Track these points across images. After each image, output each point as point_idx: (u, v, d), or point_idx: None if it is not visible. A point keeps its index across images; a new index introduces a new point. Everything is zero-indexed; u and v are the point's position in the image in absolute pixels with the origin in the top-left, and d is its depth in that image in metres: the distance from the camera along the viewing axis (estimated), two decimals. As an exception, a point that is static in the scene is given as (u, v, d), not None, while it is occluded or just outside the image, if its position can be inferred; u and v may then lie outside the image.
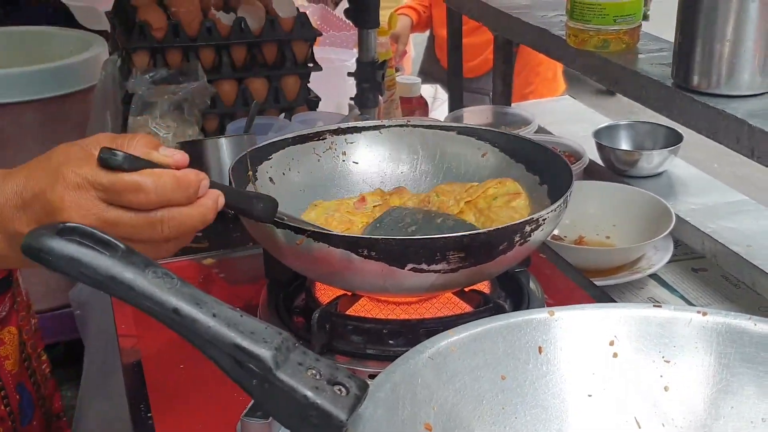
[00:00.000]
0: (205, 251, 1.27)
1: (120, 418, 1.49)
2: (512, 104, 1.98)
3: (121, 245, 0.58)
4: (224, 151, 1.40)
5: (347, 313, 0.99)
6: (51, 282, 2.11)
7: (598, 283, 1.23)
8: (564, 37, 1.30)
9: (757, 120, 0.99)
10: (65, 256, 0.57)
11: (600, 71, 1.25)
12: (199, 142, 1.42)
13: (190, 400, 0.94)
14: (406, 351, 0.68)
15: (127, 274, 0.57)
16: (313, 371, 0.57)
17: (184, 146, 1.43)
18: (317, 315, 0.95)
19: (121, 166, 0.68)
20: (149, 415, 0.91)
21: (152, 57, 1.61)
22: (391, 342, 0.95)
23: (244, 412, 0.81)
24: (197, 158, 1.41)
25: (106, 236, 0.58)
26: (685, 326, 0.73)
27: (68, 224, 0.58)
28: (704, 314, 0.73)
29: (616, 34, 1.23)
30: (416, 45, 3.88)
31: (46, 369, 1.42)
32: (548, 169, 1.07)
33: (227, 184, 1.01)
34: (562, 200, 0.95)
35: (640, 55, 1.22)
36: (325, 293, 1.04)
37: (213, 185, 0.82)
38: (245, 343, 0.56)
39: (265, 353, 0.56)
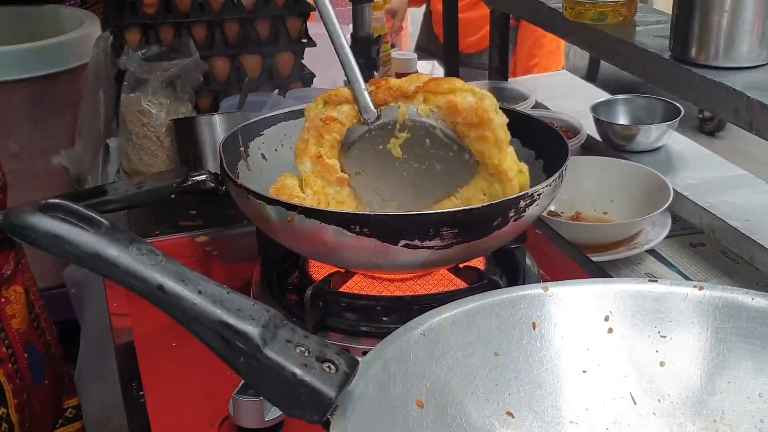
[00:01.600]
0: (198, 229, 1.26)
1: (115, 396, 1.49)
2: (509, 79, 1.97)
3: (105, 222, 0.57)
4: (218, 128, 1.39)
5: (340, 290, 0.98)
6: (46, 262, 2.09)
7: (596, 258, 1.22)
8: (560, 10, 1.28)
9: (756, 92, 0.97)
10: (48, 233, 0.55)
11: (597, 44, 1.24)
12: (193, 120, 1.41)
13: (183, 380, 0.93)
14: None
15: (111, 250, 0.56)
16: (302, 348, 0.56)
17: (177, 123, 1.42)
18: (310, 292, 0.94)
19: None
20: (141, 393, 0.91)
21: (144, 34, 1.59)
22: (385, 319, 0.94)
23: (236, 389, 0.80)
24: (190, 136, 1.40)
25: (89, 213, 0.57)
26: (681, 301, 0.72)
27: (50, 201, 0.57)
28: (701, 289, 0.72)
29: (613, 6, 1.21)
30: (413, 21, 3.85)
31: (54, 331, 1.42)
32: (544, 143, 1.06)
33: (218, 160, 1.00)
34: (557, 175, 0.93)
35: (637, 28, 1.20)
36: (319, 271, 1.03)
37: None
38: (232, 320, 0.55)
39: (252, 330, 0.55)
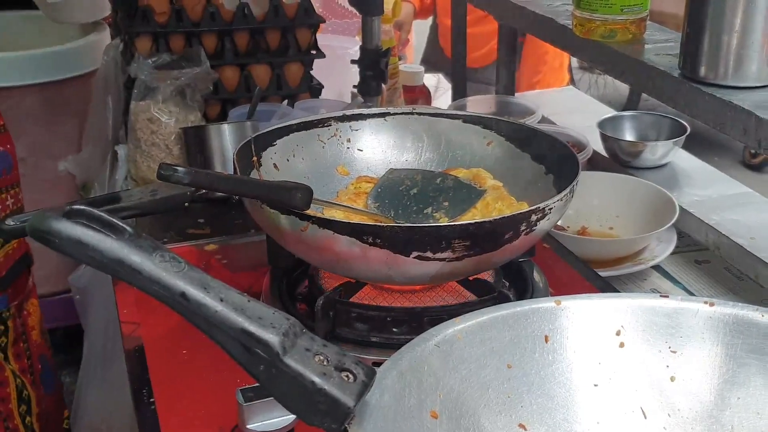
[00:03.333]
0: (206, 237, 1.27)
1: (119, 403, 1.50)
2: (516, 94, 1.98)
3: (129, 229, 0.58)
4: (227, 137, 1.40)
5: (351, 300, 0.99)
6: (51, 267, 2.10)
7: (601, 274, 1.22)
8: (570, 27, 1.29)
9: (765, 111, 0.98)
10: (72, 239, 0.56)
11: (606, 61, 1.25)
12: (202, 128, 1.42)
13: (193, 387, 0.93)
14: (410, 339, 0.67)
15: (135, 257, 0.56)
16: (321, 357, 0.57)
17: (186, 132, 1.43)
18: (321, 302, 0.94)
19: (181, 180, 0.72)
20: (152, 400, 0.91)
21: (155, 42, 1.60)
22: (395, 330, 0.95)
23: (240, 397, 0.81)
24: (199, 144, 1.40)
25: (113, 219, 0.58)
26: (692, 317, 0.73)
27: (75, 206, 0.57)
28: (711, 305, 0.73)
29: (623, 23, 1.22)
30: (418, 34, 3.86)
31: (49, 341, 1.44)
32: (554, 158, 1.07)
33: (231, 169, 1.01)
34: (568, 190, 0.94)
35: (646, 46, 1.21)
36: (329, 281, 1.03)
37: (253, 182, 0.85)
38: (252, 328, 0.55)
39: (272, 338, 0.55)
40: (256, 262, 1.14)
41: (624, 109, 2.91)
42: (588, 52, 1.28)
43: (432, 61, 2.88)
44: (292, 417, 0.82)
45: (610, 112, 1.80)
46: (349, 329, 0.96)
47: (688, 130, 1.61)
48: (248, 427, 0.81)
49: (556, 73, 2.75)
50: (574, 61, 3.63)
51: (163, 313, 0.99)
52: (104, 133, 1.74)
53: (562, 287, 1.10)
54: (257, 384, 0.75)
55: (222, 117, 1.64)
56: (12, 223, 0.89)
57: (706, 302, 0.73)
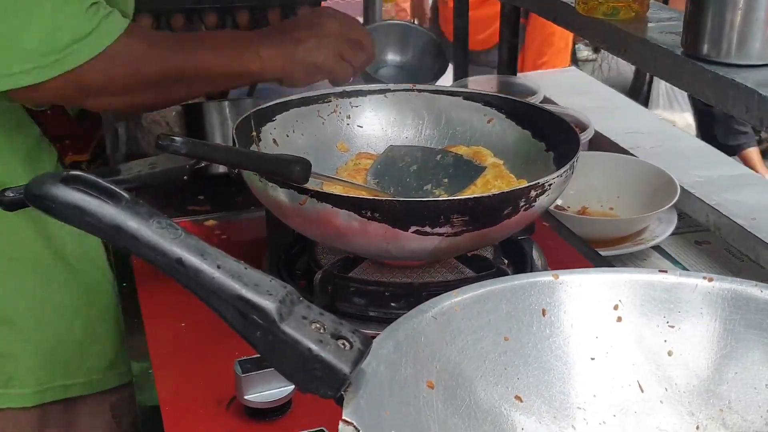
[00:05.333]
0: (206, 213, 1.27)
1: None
2: (518, 74, 1.97)
3: (126, 195, 0.57)
4: (227, 114, 1.40)
5: (349, 275, 0.98)
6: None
7: (601, 253, 1.22)
8: (573, 5, 1.29)
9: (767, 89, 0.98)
10: (69, 204, 0.56)
11: (609, 39, 1.24)
12: (202, 105, 1.42)
13: (192, 359, 0.94)
14: (409, 313, 0.67)
15: (132, 223, 0.56)
16: (317, 325, 0.56)
17: (187, 109, 1.43)
18: (319, 276, 0.94)
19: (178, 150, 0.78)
20: (150, 372, 0.91)
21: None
22: (393, 305, 0.95)
23: (238, 369, 0.81)
24: (200, 121, 1.40)
25: (110, 186, 0.57)
26: (690, 292, 0.72)
27: (72, 173, 0.57)
28: (710, 280, 0.72)
29: (626, 1, 1.21)
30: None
31: None
32: (555, 135, 1.06)
33: (231, 144, 1.01)
34: (568, 166, 0.94)
35: (649, 24, 1.21)
36: (327, 256, 1.03)
37: (251, 155, 0.85)
38: (249, 295, 0.55)
39: (269, 305, 0.55)
40: (257, 238, 1.14)
41: (628, 94, 2.90)
42: (590, 30, 1.27)
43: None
44: (289, 388, 0.82)
45: (612, 94, 1.79)
46: (347, 304, 0.96)
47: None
48: (246, 397, 0.81)
49: (562, 54, 2.74)
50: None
51: (160, 285, 1.00)
52: (104, 109, 1.73)
53: (561, 265, 1.09)
54: (255, 356, 0.76)
55: (223, 94, 1.63)
56: (11, 194, 0.88)
57: (704, 277, 0.73)
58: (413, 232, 0.87)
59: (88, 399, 1.21)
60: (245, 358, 0.82)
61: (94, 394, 1.21)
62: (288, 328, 0.55)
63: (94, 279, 1.21)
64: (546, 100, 1.82)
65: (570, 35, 2.62)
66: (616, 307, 0.73)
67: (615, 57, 1.25)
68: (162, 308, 1.02)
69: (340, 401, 0.56)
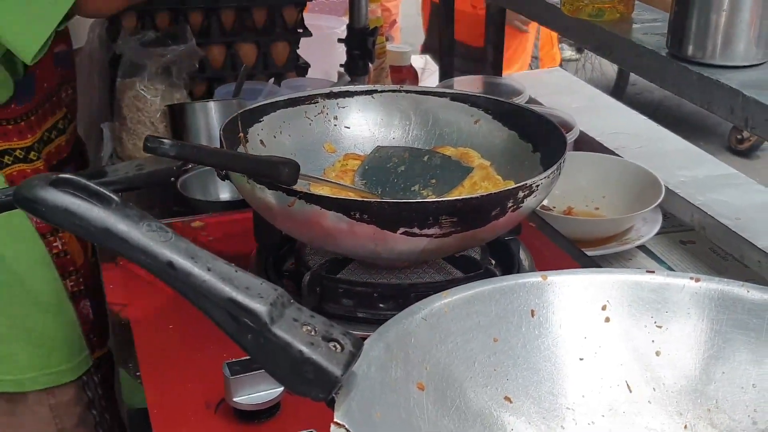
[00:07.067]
0: (192, 215, 1.26)
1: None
2: (503, 75, 1.97)
3: (115, 198, 0.57)
4: (213, 115, 1.39)
5: (338, 276, 0.98)
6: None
7: (587, 253, 1.23)
8: (558, 5, 1.29)
9: (752, 90, 0.98)
10: (59, 208, 0.56)
11: (594, 40, 1.25)
12: (188, 106, 1.41)
13: (180, 362, 0.93)
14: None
15: (122, 226, 0.56)
16: (309, 327, 0.56)
17: (172, 109, 1.42)
18: (308, 277, 0.94)
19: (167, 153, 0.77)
20: (138, 374, 0.91)
21: (140, 19, 1.59)
22: (381, 305, 0.95)
23: (227, 371, 0.81)
24: (185, 122, 1.40)
25: (99, 189, 0.57)
26: (678, 292, 0.73)
27: (61, 175, 0.57)
28: (697, 281, 0.73)
29: (611, 2, 1.22)
30: (406, 17, 3.84)
31: None
32: (542, 136, 1.07)
33: (218, 146, 1.00)
34: (555, 167, 0.94)
35: (634, 25, 1.21)
36: (315, 258, 1.03)
37: (239, 156, 0.84)
38: (240, 298, 0.55)
39: (260, 308, 0.55)
40: (244, 240, 1.13)
41: (612, 94, 2.91)
42: (576, 31, 1.28)
43: (436, 48, 2.86)
44: (278, 390, 0.82)
45: (598, 94, 1.80)
46: (335, 305, 0.96)
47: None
48: (234, 400, 0.81)
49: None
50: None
51: (149, 289, 1.00)
52: (89, 110, 1.72)
53: (548, 266, 1.09)
54: (244, 358, 0.76)
55: (208, 95, 1.63)
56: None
57: (691, 278, 0.73)
58: (402, 234, 0.88)
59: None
60: (234, 360, 0.82)
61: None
62: (279, 331, 0.55)
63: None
64: (531, 100, 1.83)
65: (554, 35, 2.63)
66: (604, 308, 0.74)
67: (598, 57, 1.25)
68: (149, 310, 1.01)
69: (331, 404, 0.56)
